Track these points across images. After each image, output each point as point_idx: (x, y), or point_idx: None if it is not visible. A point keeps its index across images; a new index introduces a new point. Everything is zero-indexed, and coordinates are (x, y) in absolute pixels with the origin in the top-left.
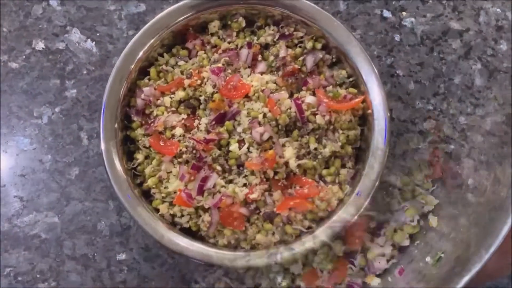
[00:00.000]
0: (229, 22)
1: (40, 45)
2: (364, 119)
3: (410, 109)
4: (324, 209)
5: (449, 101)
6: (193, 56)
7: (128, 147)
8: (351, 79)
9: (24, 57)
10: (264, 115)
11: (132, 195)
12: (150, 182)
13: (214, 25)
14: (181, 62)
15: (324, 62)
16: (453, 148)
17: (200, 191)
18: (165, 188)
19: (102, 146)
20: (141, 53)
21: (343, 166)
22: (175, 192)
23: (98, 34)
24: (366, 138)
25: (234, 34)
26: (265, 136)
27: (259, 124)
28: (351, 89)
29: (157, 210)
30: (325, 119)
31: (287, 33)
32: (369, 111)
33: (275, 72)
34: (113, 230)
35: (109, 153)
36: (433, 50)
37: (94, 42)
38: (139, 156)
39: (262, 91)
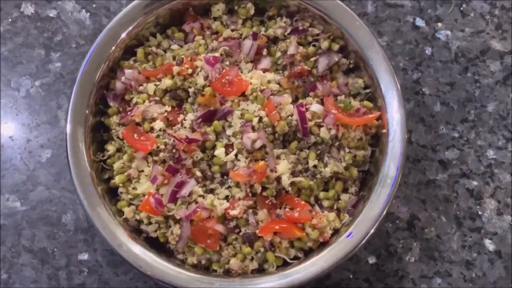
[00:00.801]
0: (236, 7)
1: (29, 9)
2: (377, 138)
3: (432, 134)
4: (315, 239)
5: (478, 131)
6: (189, 40)
7: (101, 136)
8: (367, 91)
9: (10, 20)
10: (260, 120)
11: (93, 191)
12: (117, 179)
13: (219, 8)
14: (174, 46)
15: (339, 67)
16: (476, 185)
17: (173, 198)
18: (133, 188)
19: (68, 129)
20: (129, 29)
21: (345, 190)
22: (144, 195)
23: (94, 6)
24: (377, 161)
25: (240, 21)
26: (258, 144)
27: (253, 129)
28: (366, 102)
29: (122, 213)
30: (330, 133)
31: (301, 27)
32: (384, 130)
33: (281, 72)
34: (79, 226)
35: (75, 138)
36: (468, 70)
37: (88, 14)
38: (111, 148)
39: (262, 91)
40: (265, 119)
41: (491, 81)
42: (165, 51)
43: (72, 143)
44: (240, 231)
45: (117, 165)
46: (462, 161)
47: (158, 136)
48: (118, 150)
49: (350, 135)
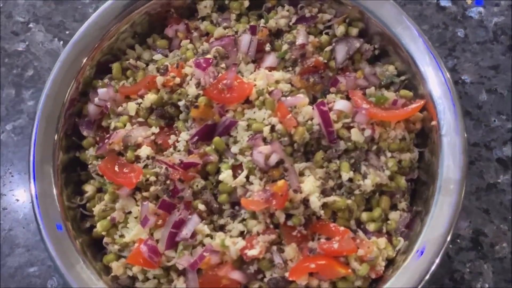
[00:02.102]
0: (226, 2)
1: None
2: (423, 137)
3: (483, 128)
4: (364, 276)
5: None
6: (174, 47)
7: (77, 175)
8: (402, 78)
9: None
10: (272, 128)
11: (69, 247)
12: (99, 226)
13: (206, 5)
14: (157, 56)
15: (363, 55)
16: None
17: (172, 243)
18: (121, 236)
19: (30, 172)
20: (99, 42)
21: (394, 207)
22: (134, 243)
23: (67, 32)
24: (428, 165)
25: (234, 17)
26: (273, 160)
27: (264, 141)
28: (404, 92)
29: (110, 270)
30: (365, 135)
31: (308, 14)
32: (434, 122)
33: (290, 69)
34: None
35: (40, 185)
36: None
37: (61, 42)
38: (89, 188)
39: (270, 93)
40: (279, 126)
41: None
42: (147, 64)
43: (39, 191)
44: (265, 276)
45: (98, 209)
46: None
47: (146, 166)
48: (99, 190)
49: (390, 136)
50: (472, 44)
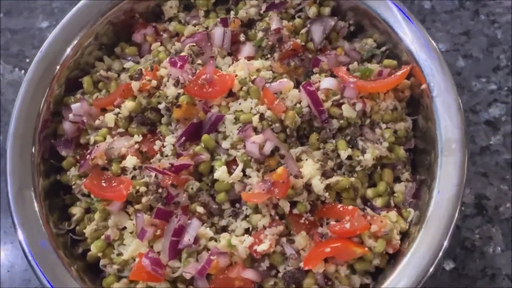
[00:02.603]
0: (192, 0)
1: None
2: (413, 105)
3: (466, 94)
4: (382, 252)
5: None
6: (145, 52)
7: (62, 200)
8: (383, 49)
9: None
10: (262, 117)
11: (65, 275)
12: (93, 248)
13: (171, 5)
14: (128, 64)
15: (339, 33)
16: None
17: (175, 252)
18: (118, 255)
19: (11, 203)
20: (63, 58)
21: (397, 180)
22: (134, 260)
23: (27, 60)
24: (424, 132)
25: (202, 14)
26: (268, 148)
27: (255, 131)
28: (388, 61)
29: None
30: (356, 109)
31: (277, 1)
32: (423, 86)
33: (269, 56)
34: None
35: (23, 215)
36: (479, 13)
37: (23, 71)
38: (76, 211)
39: (253, 81)
40: (268, 113)
41: (510, 17)
42: (119, 74)
43: (23, 219)
44: (278, 271)
45: (89, 230)
46: None
47: (133, 177)
48: (87, 211)
49: (381, 107)
50: (440, 14)
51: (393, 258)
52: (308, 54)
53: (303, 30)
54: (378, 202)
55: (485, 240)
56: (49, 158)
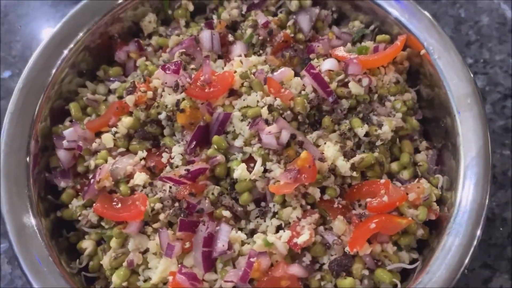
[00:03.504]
0: (170, 12)
1: None
2: (412, 78)
3: None
4: (424, 219)
5: (488, 47)
6: (130, 70)
7: (66, 241)
8: (372, 27)
9: None
10: (270, 108)
11: None
12: (116, 278)
13: (150, 20)
14: (115, 84)
15: (324, 21)
16: None
17: (209, 264)
18: (145, 281)
19: (18, 256)
20: (43, 90)
21: (416, 151)
22: (165, 284)
23: None
24: (431, 100)
25: (183, 23)
26: (285, 137)
27: (266, 123)
28: (380, 36)
29: None
30: (363, 85)
31: (256, 0)
32: (423, 51)
33: (261, 51)
34: None
35: (32, 263)
36: None
37: None
38: (86, 244)
39: (253, 74)
40: (277, 102)
41: None
42: (105, 97)
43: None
44: (322, 265)
45: (107, 261)
46: (495, 83)
47: (147, 195)
48: (99, 243)
49: (385, 82)
50: None
51: (434, 229)
52: (299, 45)
53: (290, 23)
54: (405, 175)
55: (502, 206)
56: (45, 196)
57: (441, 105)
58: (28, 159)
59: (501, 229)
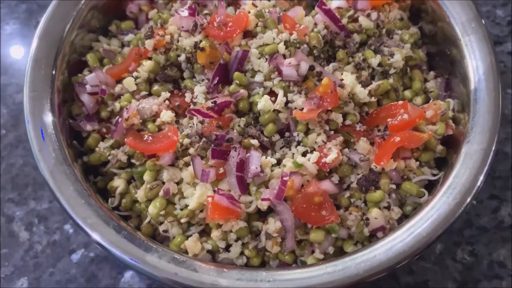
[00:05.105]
0: None
1: None
2: (414, 19)
3: None
4: (443, 133)
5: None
6: (142, 23)
7: (94, 185)
8: None
9: None
10: (286, 43)
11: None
12: (153, 210)
13: None
14: (129, 36)
15: None
16: None
17: (244, 187)
18: (182, 209)
19: (56, 194)
20: (63, 37)
21: (425, 81)
22: (201, 211)
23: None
24: (434, 35)
25: None
26: (304, 67)
27: (284, 58)
28: None
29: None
30: (372, 19)
31: None
32: None
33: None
34: None
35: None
36: None
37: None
38: (118, 183)
39: (268, 13)
40: (293, 36)
41: None
42: (120, 51)
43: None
44: (349, 185)
45: (141, 194)
46: None
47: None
48: (129, 182)
49: (390, 18)
50: None
51: (451, 148)
52: None
53: None
54: (418, 101)
55: (503, 142)
56: (71, 143)
57: (445, 37)
58: (53, 107)
59: (504, 163)
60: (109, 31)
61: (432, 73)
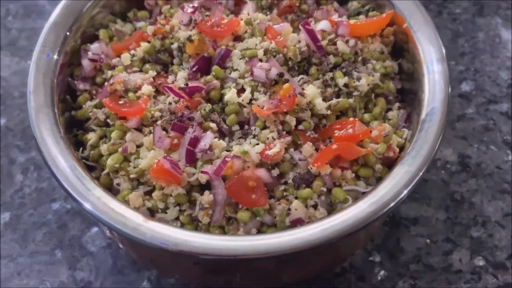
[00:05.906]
0: None
1: None
2: (396, 55)
3: None
4: (383, 153)
5: (481, 59)
6: (155, 16)
7: (75, 137)
8: (368, 7)
9: None
10: (266, 51)
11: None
12: (110, 161)
13: None
14: (140, 24)
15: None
16: (507, 106)
17: (191, 158)
18: (135, 167)
19: (34, 129)
20: (83, 11)
21: (389, 110)
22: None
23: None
24: (412, 72)
25: None
26: (273, 73)
27: (260, 61)
28: (373, 13)
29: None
30: (349, 45)
31: None
32: (405, 24)
33: (268, 13)
34: None
35: (41, 127)
36: (442, 13)
37: (29, 61)
38: (91, 136)
39: (257, 24)
40: (272, 45)
41: (468, 16)
42: (130, 34)
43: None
44: (287, 181)
45: (105, 147)
46: (481, 89)
47: (154, 103)
48: (101, 138)
49: (370, 49)
50: None
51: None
52: (302, 14)
53: None
54: (375, 124)
55: (472, 192)
56: (64, 97)
57: (415, 80)
58: (58, 60)
59: (467, 211)
60: (127, 17)
61: (397, 105)
